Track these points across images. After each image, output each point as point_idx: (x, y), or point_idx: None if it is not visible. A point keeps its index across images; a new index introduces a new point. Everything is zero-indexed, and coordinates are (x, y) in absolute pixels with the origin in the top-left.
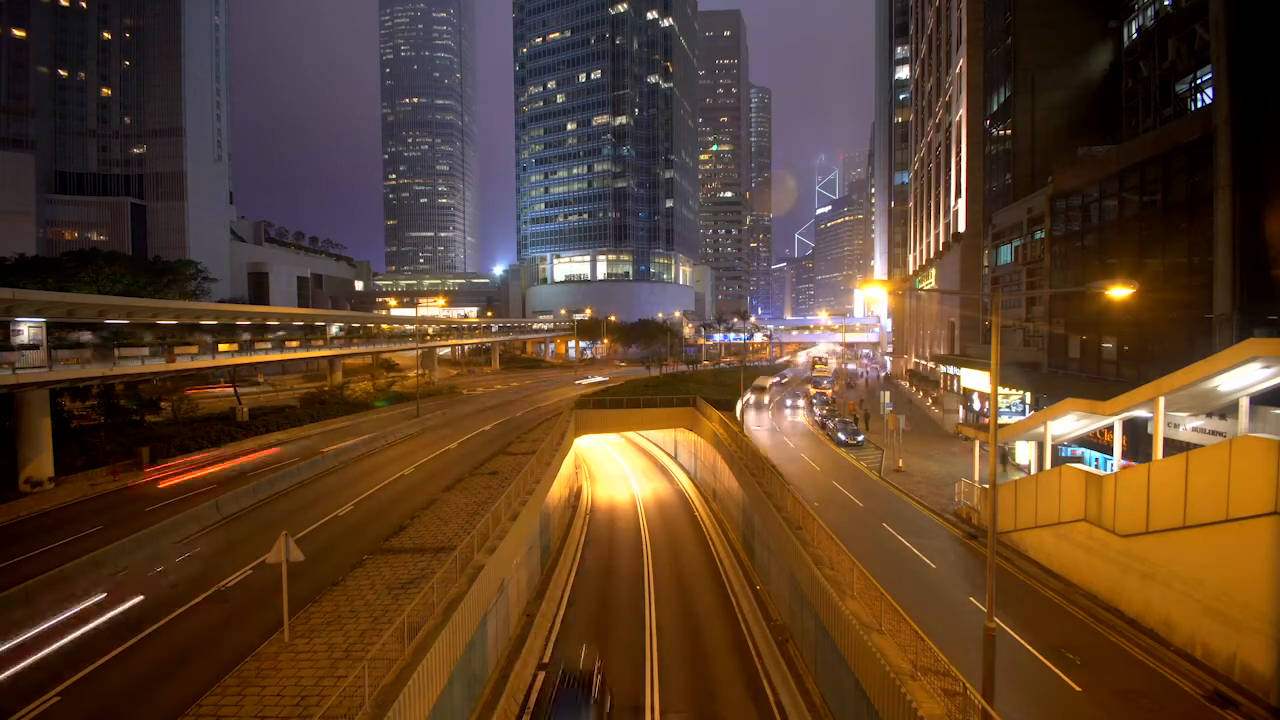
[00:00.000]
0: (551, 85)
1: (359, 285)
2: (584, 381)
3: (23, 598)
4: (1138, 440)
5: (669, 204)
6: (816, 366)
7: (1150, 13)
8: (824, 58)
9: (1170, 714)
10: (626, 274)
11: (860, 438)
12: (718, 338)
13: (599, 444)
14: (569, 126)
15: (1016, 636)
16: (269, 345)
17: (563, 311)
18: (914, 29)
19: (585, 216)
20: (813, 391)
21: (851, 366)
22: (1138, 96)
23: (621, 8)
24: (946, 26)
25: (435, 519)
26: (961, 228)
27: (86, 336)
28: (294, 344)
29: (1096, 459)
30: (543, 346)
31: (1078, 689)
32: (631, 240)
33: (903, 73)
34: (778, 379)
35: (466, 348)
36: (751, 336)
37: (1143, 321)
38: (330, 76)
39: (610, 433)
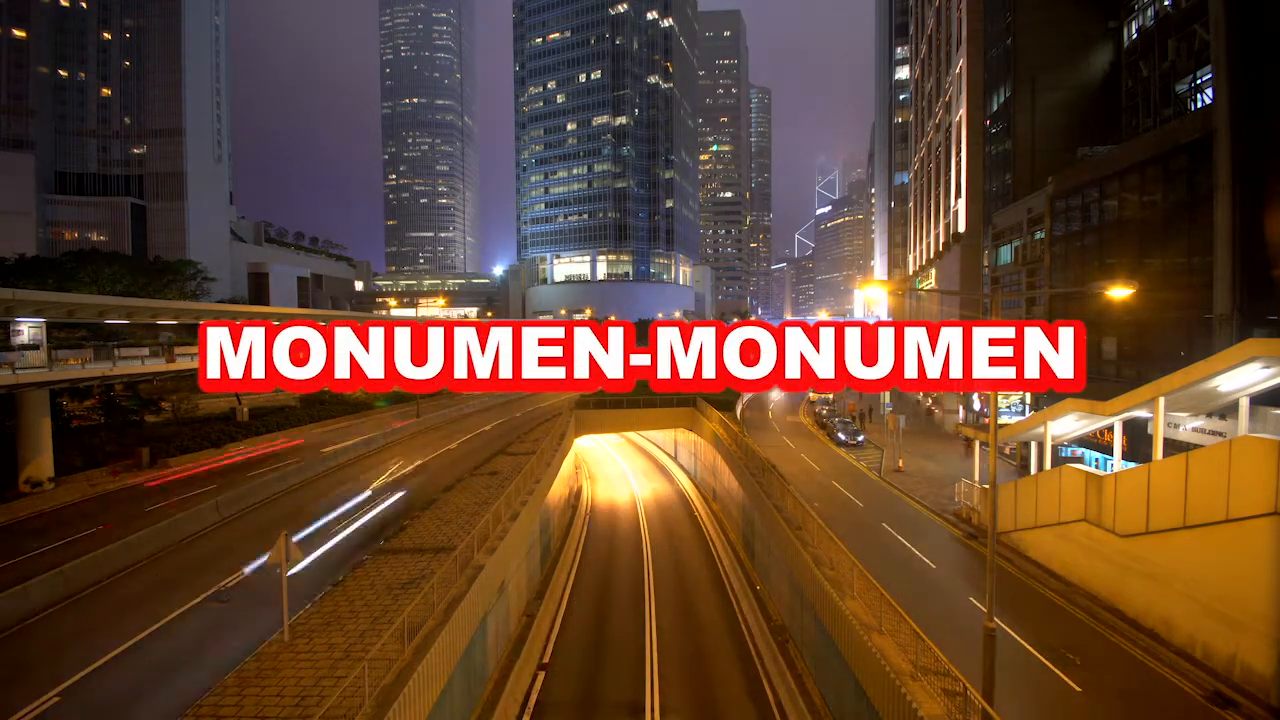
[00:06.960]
0: (551, 85)
1: (359, 285)
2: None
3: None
4: (1138, 440)
5: (669, 204)
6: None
7: (1150, 13)
8: (823, 58)
9: (1170, 714)
10: (626, 274)
11: (860, 438)
12: None
13: (599, 444)
14: (569, 127)
15: (1017, 637)
16: None
17: (562, 312)
18: (914, 29)
19: (585, 216)
20: (813, 396)
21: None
22: (1137, 97)
23: (621, 8)
24: (946, 27)
25: (435, 519)
26: (961, 228)
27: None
28: None
29: (1096, 459)
30: None
31: (1078, 689)
32: (631, 240)
33: (903, 73)
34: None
35: None
36: None
37: (1143, 321)
38: (330, 76)
39: (610, 433)
